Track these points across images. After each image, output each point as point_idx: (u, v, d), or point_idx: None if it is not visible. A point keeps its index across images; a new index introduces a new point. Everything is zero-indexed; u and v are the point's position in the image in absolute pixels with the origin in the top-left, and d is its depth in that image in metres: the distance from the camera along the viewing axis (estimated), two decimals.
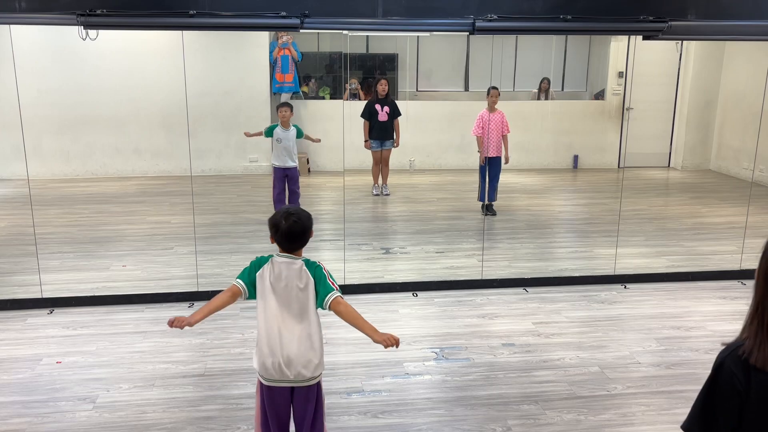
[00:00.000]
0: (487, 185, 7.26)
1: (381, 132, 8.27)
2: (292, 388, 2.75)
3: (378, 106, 8.20)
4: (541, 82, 10.66)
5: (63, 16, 4.33)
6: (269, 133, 6.92)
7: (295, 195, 7.04)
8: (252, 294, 2.78)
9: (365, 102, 8.50)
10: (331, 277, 2.74)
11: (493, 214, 7.29)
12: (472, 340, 4.32)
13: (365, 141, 8.27)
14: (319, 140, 7.28)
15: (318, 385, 2.80)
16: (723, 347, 1.59)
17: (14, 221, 6.99)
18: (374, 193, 8.40)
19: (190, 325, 2.71)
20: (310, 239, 2.78)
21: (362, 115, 8.27)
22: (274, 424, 2.79)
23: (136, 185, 8.89)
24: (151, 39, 8.84)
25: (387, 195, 8.35)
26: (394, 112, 8.28)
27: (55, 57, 9.00)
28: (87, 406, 3.49)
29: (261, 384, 2.77)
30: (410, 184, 9.05)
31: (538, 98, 10.63)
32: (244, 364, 3.93)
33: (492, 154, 7.19)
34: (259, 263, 2.78)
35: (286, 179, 6.95)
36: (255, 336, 3.80)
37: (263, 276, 2.74)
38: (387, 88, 8.26)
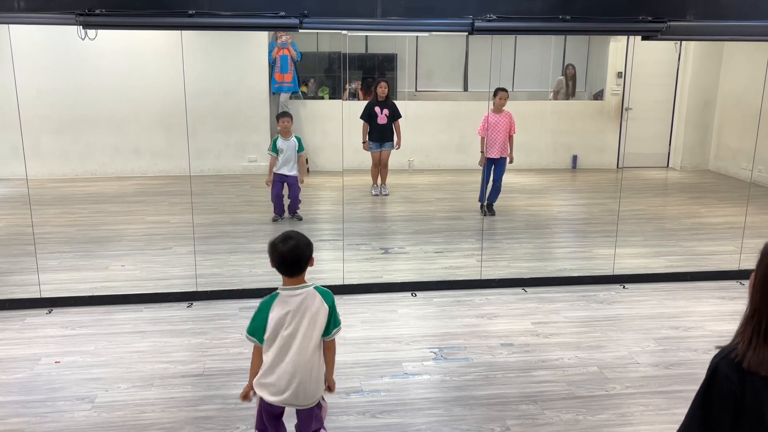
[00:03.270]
0: (489, 185, 7.27)
1: (380, 134, 8.23)
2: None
3: (377, 109, 8.16)
4: (566, 68, 10.63)
5: (62, 15, 4.33)
6: (275, 149, 6.90)
7: (295, 201, 7.04)
8: (263, 340, 2.75)
9: (365, 102, 8.49)
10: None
11: (492, 214, 7.29)
12: (470, 340, 4.32)
13: (363, 142, 8.26)
14: (303, 181, 7.10)
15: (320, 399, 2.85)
16: (717, 351, 1.60)
17: (13, 221, 6.99)
18: (373, 193, 8.39)
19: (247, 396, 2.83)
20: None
21: (361, 117, 8.23)
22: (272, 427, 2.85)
23: (135, 185, 8.89)
24: (150, 39, 8.84)
25: (386, 195, 8.34)
26: (394, 114, 8.24)
27: (54, 57, 8.99)
28: (85, 406, 3.48)
29: (263, 401, 2.79)
30: (409, 184, 9.05)
31: (566, 85, 10.62)
32: (243, 364, 3.93)
33: (496, 155, 7.19)
34: (266, 307, 2.74)
35: (284, 183, 6.97)
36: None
37: (273, 316, 2.71)
38: (387, 90, 8.20)
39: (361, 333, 4.42)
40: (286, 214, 7.10)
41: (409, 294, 5.10)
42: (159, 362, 3.97)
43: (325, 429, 2.97)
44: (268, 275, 5.43)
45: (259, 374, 2.76)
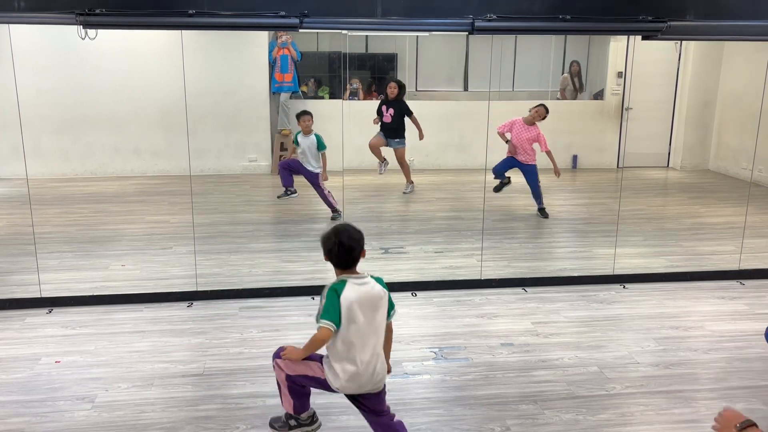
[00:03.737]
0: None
1: (386, 132, 8.34)
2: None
3: (384, 108, 8.29)
4: (571, 65, 10.62)
5: (62, 15, 4.33)
6: (296, 141, 6.98)
7: (325, 200, 7.05)
8: (340, 324, 2.78)
9: (365, 102, 8.54)
10: None
11: (546, 216, 7.34)
12: (470, 339, 4.32)
13: (375, 119, 8.36)
14: (326, 178, 7.13)
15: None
16: None
17: (13, 221, 6.99)
18: (380, 172, 8.44)
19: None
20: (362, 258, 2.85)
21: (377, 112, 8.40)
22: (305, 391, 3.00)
23: (135, 185, 8.89)
24: (150, 39, 8.83)
25: (410, 192, 8.48)
26: (401, 112, 8.29)
27: (54, 57, 8.99)
28: (86, 406, 3.48)
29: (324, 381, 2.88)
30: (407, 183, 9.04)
31: (572, 82, 10.61)
32: (243, 364, 3.94)
33: (522, 160, 7.26)
34: (336, 291, 2.77)
35: (292, 170, 7.05)
36: (254, 335, 3.79)
37: (345, 303, 2.75)
38: (396, 90, 8.25)
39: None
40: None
41: (409, 294, 5.10)
42: (159, 362, 3.97)
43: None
44: (268, 275, 5.44)
45: (331, 360, 2.84)
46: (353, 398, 2.94)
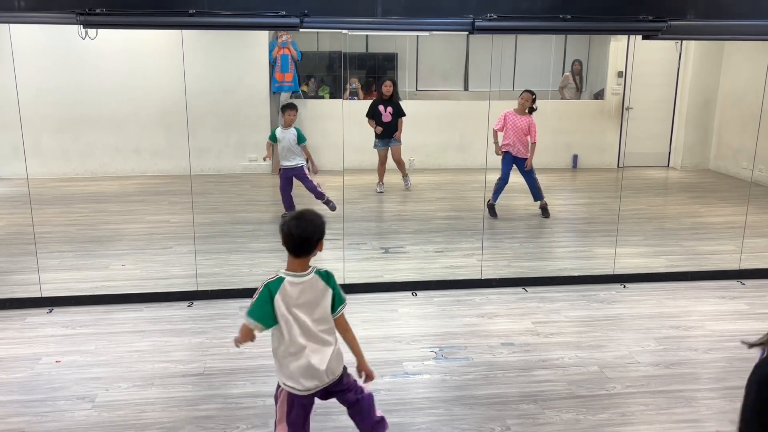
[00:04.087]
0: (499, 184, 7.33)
1: (385, 132, 8.35)
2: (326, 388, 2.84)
3: (381, 107, 8.28)
4: (573, 64, 10.61)
5: (62, 15, 4.33)
6: (273, 138, 6.95)
7: (314, 193, 7.02)
8: (270, 324, 2.73)
9: (365, 102, 8.55)
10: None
11: (547, 216, 7.31)
12: (471, 339, 4.32)
13: (376, 127, 8.35)
14: (316, 171, 7.17)
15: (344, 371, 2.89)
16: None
17: (13, 220, 6.99)
18: (378, 191, 8.45)
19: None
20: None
21: (367, 115, 8.39)
22: (300, 423, 2.84)
23: (136, 184, 8.89)
24: (150, 38, 8.84)
25: (409, 187, 8.56)
26: (398, 112, 8.36)
27: (54, 56, 8.99)
28: (86, 406, 3.49)
29: (291, 395, 2.78)
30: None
31: (574, 80, 10.60)
32: (244, 364, 3.94)
33: (518, 154, 7.21)
34: (270, 292, 2.72)
35: (293, 180, 6.97)
36: (258, 335, 3.72)
37: (279, 301, 2.71)
38: (392, 89, 8.31)
39: (362, 332, 4.40)
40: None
41: (409, 293, 5.10)
42: (159, 362, 3.97)
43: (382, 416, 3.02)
44: (268, 274, 5.43)
45: (281, 368, 2.77)
46: (327, 397, 2.88)
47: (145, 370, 3.87)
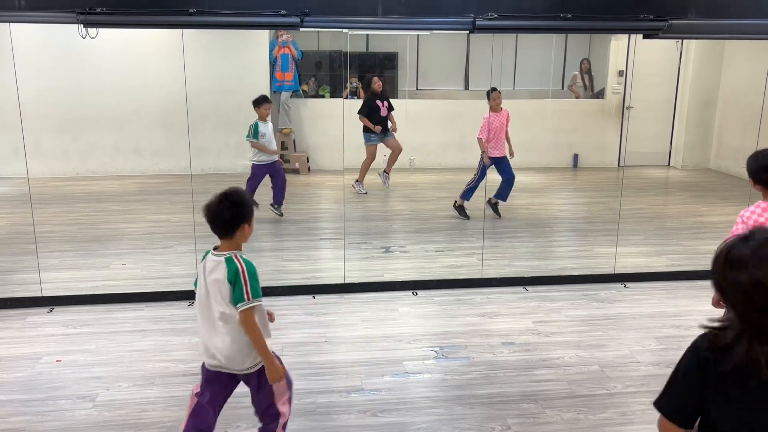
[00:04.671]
0: (478, 184, 7.23)
1: (382, 126, 8.43)
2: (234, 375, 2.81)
3: (378, 102, 8.38)
4: (581, 63, 10.60)
5: (63, 14, 4.33)
6: (255, 134, 6.84)
7: (283, 189, 6.98)
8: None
9: (363, 99, 8.63)
10: (253, 281, 2.66)
11: (498, 215, 7.24)
12: (471, 338, 4.31)
13: (375, 126, 8.37)
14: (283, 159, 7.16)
15: (257, 373, 2.79)
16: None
17: (14, 220, 6.99)
18: (362, 191, 8.35)
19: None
20: (250, 232, 2.73)
21: (360, 112, 8.40)
22: (206, 397, 2.82)
23: (136, 184, 8.89)
24: (151, 38, 8.83)
25: (387, 186, 8.55)
26: (391, 106, 8.55)
27: (55, 56, 8.99)
28: (87, 405, 3.49)
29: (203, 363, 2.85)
30: (410, 182, 9.05)
31: (582, 80, 10.59)
32: None
33: (501, 153, 7.14)
34: (204, 258, 2.78)
35: (264, 177, 6.94)
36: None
37: (199, 272, 2.77)
38: (382, 84, 8.57)
39: (362, 332, 4.41)
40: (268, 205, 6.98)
41: (410, 293, 5.09)
42: (160, 361, 3.97)
43: (281, 408, 2.86)
44: (268, 274, 5.43)
45: None
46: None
47: (145, 370, 3.87)
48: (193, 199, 6.25)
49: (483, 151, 7.15)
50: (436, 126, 10.00)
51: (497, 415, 3.43)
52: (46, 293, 4.86)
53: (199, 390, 2.86)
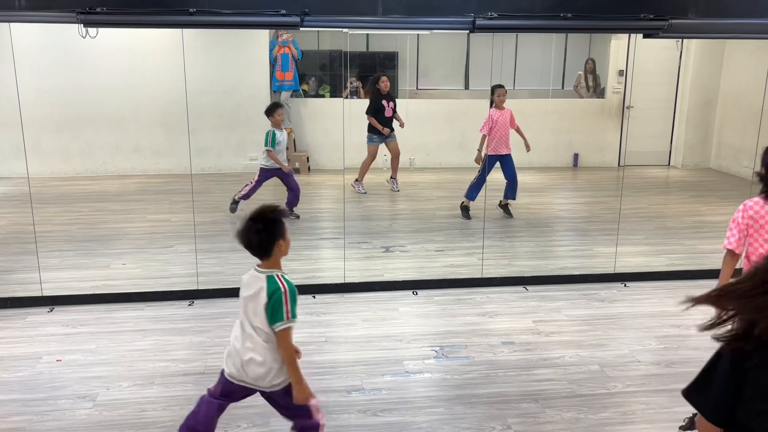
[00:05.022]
0: (482, 183, 7.22)
1: (387, 126, 8.42)
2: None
3: (384, 102, 8.37)
4: (585, 62, 10.59)
5: (63, 14, 4.33)
6: (273, 143, 6.80)
7: (297, 193, 7.00)
8: None
9: (365, 101, 8.60)
10: (293, 302, 2.66)
11: (510, 215, 7.24)
12: (471, 338, 4.32)
13: (383, 128, 8.37)
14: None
15: (285, 390, 2.78)
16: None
17: (14, 219, 6.99)
18: (360, 191, 8.35)
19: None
20: (287, 246, 2.72)
21: (367, 111, 8.42)
22: (215, 395, 2.84)
23: (136, 183, 8.89)
24: (151, 38, 8.83)
25: (397, 190, 8.49)
26: (395, 106, 8.50)
27: (55, 55, 8.99)
28: (87, 404, 3.49)
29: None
30: (410, 182, 9.05)
31: (586, 80, 10.58)
32: None
33: (505, 151, 7.14)
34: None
35: (275, 178, 6.94)
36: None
37: (241, 284, 2.79)
38: (389, 84, 8.47)
39: (362, 331, 4.42)
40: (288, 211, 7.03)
41: (410, 292, 5.09)
42: (160, 360, 3.98)
43: (312, 419, 2.86)
44: None
45: None
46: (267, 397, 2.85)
47: (145, 369, 3.87)
48: (194, 198, 6.26)
49: (478, 149, 7.16)
50: (436, 126, 9.99)
51: (497, 414, 3.43)
52: (47, 293, 4.86)
53: (212, 390, 2.88)
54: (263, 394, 2.81)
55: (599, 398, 3.60)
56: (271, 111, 6.93)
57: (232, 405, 3.49)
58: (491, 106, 7.08)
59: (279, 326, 2.65)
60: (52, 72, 9.05)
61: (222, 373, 2.83)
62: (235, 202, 7.06)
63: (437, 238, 6.48)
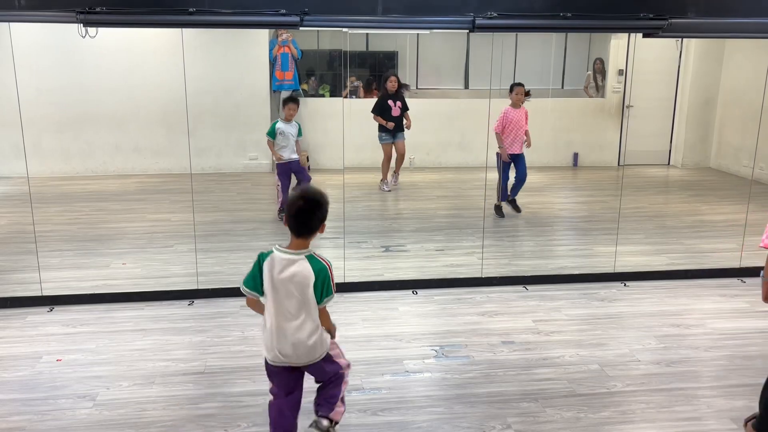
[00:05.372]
0: (511, 181, 7.26)
1: (395, 126, 8.42)
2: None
3: (390, 102, 8.35)
4: (594, 62, 10.59)
5: (62, 13, 4.33)
6: (272, 133, 6.83)
7: (308, 178, 6.99)
8: (261, 293, 2.86)
9: (365, 100, 8.59)
10: (333, 278, 2.83)
11: (519, 210, 7.27)
12: (471, 337, 4.32)
13: (386, 122, 8.38)
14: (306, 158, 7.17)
15: (325, 359, 2.95)
16: None
17: (14, 219, 6.99)
18: (385, 189, 8.45)
19: None
20: (323, 230, 2.83)
21: (373, 111, 8.42)
22: (281, 393, 2.96)
23: (136, 183, 8.89)
24: (151, 37, 8.83)
25: (396, 186, 8.54)
26: (405, 107, 8.45)
27: (54, 55, 8.99)
28: (87, 404, 3.49)
29: (265, 361, 2.94)
30: (410, 181, 9.05)
31: (594, 80, 10.58)
32: (245, 362, 3.94)
33: (519, 150, 7.16)
34: (260, 260, 2.82)
35: (291, 174, 6.93)
36: (255, 333, 3.83)
37: (265, 271, 2.80)
38: (397, 84, 8.42)
39: (362, 331, 4.42)
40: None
41: (410, 292, 5.10)
42: (160, 360, 3.98)
43: (345, 369, 3.07)
44: None
45: (263, 334, 2.90)
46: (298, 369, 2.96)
47: (145, 369, 3.87)
48: (193, 198, 6.26)
49: (500, 146, 7.17)
50: (436, 125, 9.99)
51: (497, 413, 3.44)
52: (47, 292, 4.86)
53: (273, 391, 2.99)
54: (300, 368, 2.93)
55: (599, 397, 3.60)
56: (283, 103, 6.96)
57: (232, 405, 3.50)
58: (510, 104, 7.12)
59: (327, 300, 2.83)
60: (52, 72, 9.05)
61: (269, 371, 2.94)
62: (282, 210, 7.04)
63: (437, 237, 6.48)
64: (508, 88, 7.25)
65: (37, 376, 3.77)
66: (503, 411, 3.46)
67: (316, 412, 3.04)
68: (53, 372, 3.82)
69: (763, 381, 2.79)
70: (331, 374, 3.00)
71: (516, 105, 7.13)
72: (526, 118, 7.20)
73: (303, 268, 2.75)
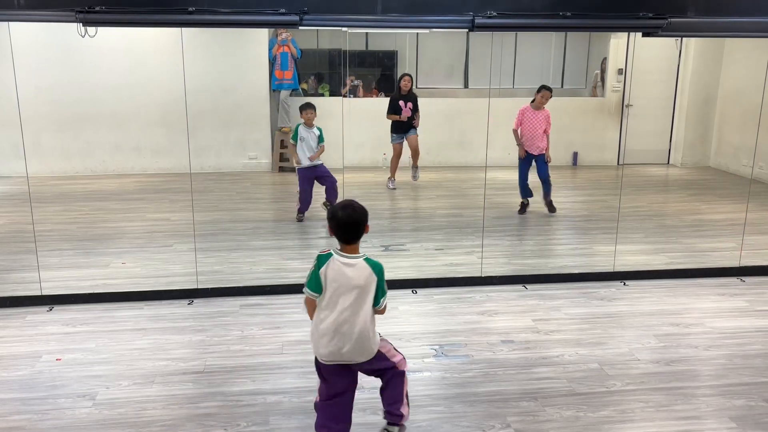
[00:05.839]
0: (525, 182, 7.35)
1: (404, 125, 8.49)
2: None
3: (402, 103, 8.40)
4: (602, 62, 10.60)
5: (62, 13, 4.32)
6: (295, 136, 6.87)
7: (334, 190, 6.97)
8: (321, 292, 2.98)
9: (365, 100, 8.61)
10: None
11: (554, 210, 7.32)
12: (471, 337, 4.32)
13: (397, 117, 8.46)
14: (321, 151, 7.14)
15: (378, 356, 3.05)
16: None
17: (14, 218, 6.99)
18: (390, 187, 8.50)
19: None
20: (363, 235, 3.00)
21: (389, 112, 8.49)
22: (332, 395, 3.04)
23: (136, 182, 8.89)
24: (150, 36, 8.83)
25: (416, 178, 8.66)
26: (416, 108, 8.50)
27: (54, 54, 8.98)
28: (87, 403, 3.49)
29: (316, 360, 3.05)
30: (410, 181, 9.04)
31: (602, 80, 10.58)
32: (244, 361, 3.94)
33: (536, 151, 7.21)
34: (319, 263, 2.95)
35: (314, 179, 6.93)
36: (255, 333, 3.82)
37: (326, 274, 2.92)
38: (410, 84, 8.47)
39: None
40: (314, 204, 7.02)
41: (409, 291, 5.10)
42: (160, 359, 3.98)
43: (400, 364, 3.14)
44: (268, 272, 5.44)
45: (312, 333, 3.02)
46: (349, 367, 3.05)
47: (145, 368, 3.87)
48: (193, 197, 6.27)
49: (517, 144, 7.25)
50: (436, 124, 9.99)
51: (497, 413, 3.44)
52: (46, 292, 4.86)
53: (322, 391, 3.08)
54: (352, 367, 3.03)
55: (598, 396, 3.61)
56: (300, 109, 7.01)
57: (231, 405, 3.50)
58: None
59: (383, 300, 3.01)
60: (51, 71, 9.05)
61: (319, 369, 3.04)
62: (301, 212, 7.03)
63: (437, 236, 6.48)
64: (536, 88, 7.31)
65: (37, 376, 3.77)
66: (503, 410, 3.46)
67: (385, 418, 3.21)
68: (53, 371, 3.82)
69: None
70: (384, 369, 3.09)
71: (537, 107, 7.16)
72: (548, 122, 7.21)
73: (364, 269, 2.94)
